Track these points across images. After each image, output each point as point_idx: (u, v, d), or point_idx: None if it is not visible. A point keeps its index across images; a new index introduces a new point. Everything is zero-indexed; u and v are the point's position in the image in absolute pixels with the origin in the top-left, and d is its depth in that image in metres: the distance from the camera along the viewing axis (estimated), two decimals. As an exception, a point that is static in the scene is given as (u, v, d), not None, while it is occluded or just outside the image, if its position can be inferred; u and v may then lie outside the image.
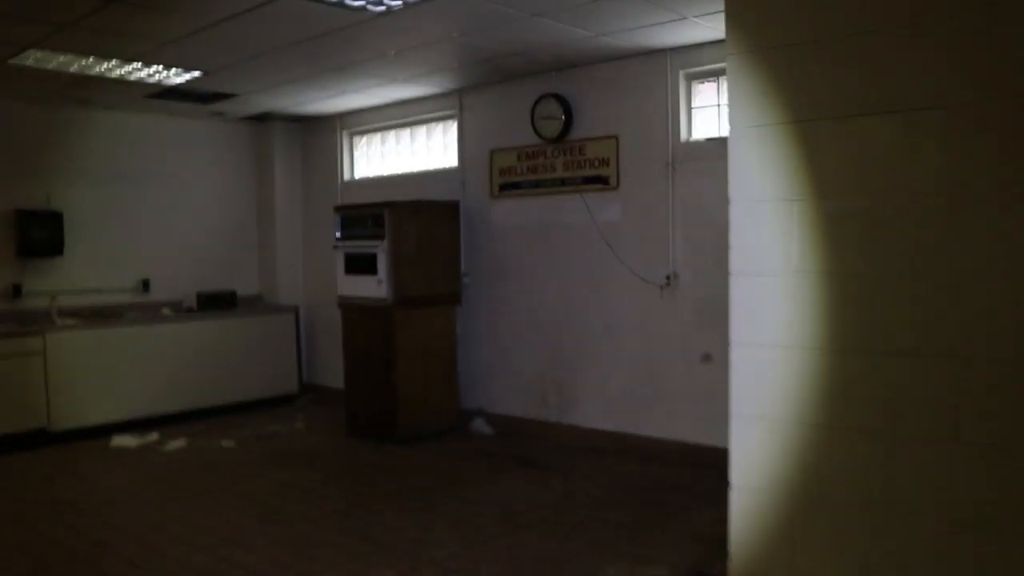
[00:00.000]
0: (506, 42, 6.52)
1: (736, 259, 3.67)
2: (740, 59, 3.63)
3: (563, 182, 7.69)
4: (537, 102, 7.71)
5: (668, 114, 7.03)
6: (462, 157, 8.52)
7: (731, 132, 3.70)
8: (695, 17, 5.92)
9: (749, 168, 3.63)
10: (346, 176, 9.76)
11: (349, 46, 6.42)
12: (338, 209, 8.31)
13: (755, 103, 3.58)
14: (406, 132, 9.22)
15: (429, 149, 9.00)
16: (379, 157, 9.50)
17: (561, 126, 7.58)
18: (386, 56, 6.81)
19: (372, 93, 8.39)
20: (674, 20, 6.02)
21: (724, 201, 3.72)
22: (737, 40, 3.65)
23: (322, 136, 9.96)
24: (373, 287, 7.75)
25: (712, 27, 6.11)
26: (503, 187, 8.14)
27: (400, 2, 5.40)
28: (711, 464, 5.94)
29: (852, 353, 3.36)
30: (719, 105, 6.94)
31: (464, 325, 8.45)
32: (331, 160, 9.85)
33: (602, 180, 7.45)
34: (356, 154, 9.77)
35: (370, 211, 7.84)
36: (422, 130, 9.07)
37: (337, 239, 8.20)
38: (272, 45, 6.39)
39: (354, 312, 8.05)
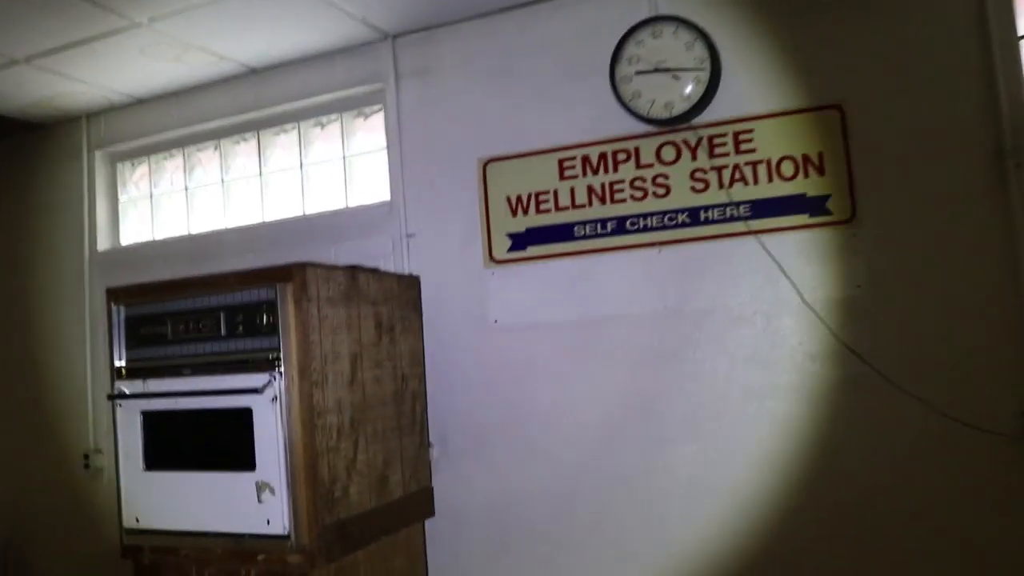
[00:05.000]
0: None
1: None
2: None
3: (696, 216, 3.22)
4: (630, 34, 3.25)
5: (989, 48, 2.88)
6: (401, 182, 3.76)
7: None
8: None
9: None
10: (103, 242, 4.58)
11: None
12: (123, 296, 3.15)
13: None
14: (248, 146, 4.29)
15: (306, 174, 4.13)
16: (181, 200, 4.45)
17: (701, 88, 3.16)
18: None
19: (176, 42, 3.54)
20: None
21: None
22: None
23: (47, 163, 4.75)
24: (245, 507, 2.74)
25: None
26: (520, 239, 3.49)
27: None
28: None
29: None
30: None
31: (442, 562, 3.56)
32: (66, 210, 4.64)
33: (810, 205, 3.10)
34: (124, 198, 4.64)
35: (232, 292, 2.87)
36: (288, 139, 4.19)
37: (122, 373, 3.08)
38: None
39: (179, 572, 2.92)
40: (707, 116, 3.29)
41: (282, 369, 2.72)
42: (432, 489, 3.47)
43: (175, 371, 2.96)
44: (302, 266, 2.75)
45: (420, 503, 3.36)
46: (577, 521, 3.38)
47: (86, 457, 4.28)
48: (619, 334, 3.36)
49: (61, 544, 4.42)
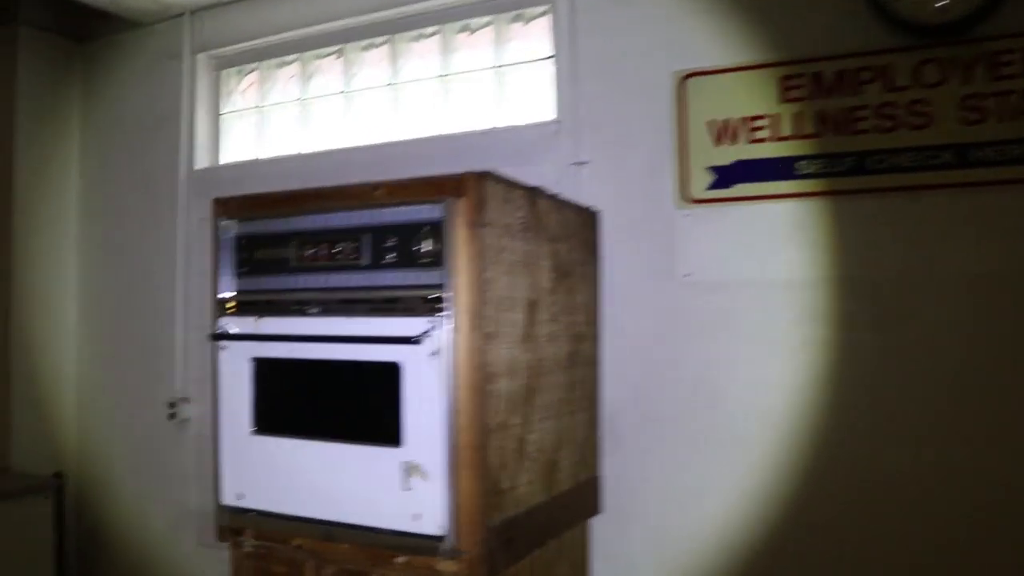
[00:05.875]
0: None
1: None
2: None
3: (965, 155, 2.45)
4: (899, -89, 2.49)
5: None
6: (572, 98, 3.02)
7: None
8: None
9: None
10: (201, 160, 3.96)
11: None
12: (234, 209, 2.49)
13: None
14: (378, 52, 3.61)
15: (448, 87, 3.42)
16: (295, 113, 3.79)
17: (992, -18, 2.41)
18: None
19: None
20: None
21: None
22: None
23: (140, 69, 4.14)
24: (385, 494, 2.08)
25: None
26: (726, 174, 2.74)
27: None
28: None
29: None
30: None
31: (606, 573, 2.87)
32: (162, 122, 4.02)
33: None
34: (226, 110, 4.01)
35: (381, 208, 2.18)
36: (427, 45, 3.50)
37: (228, 308, 2.41)
38: None
39: (291, 567, 2.27)
40: (991, 26, 2.50)
41: (448, 314, 2.03)
42: (599, 479, 2.78)
43: (299, 308, 2.30)
44: (481, 176, 2.06)
45: (587, 496, 2.69)
46: (776, 529, 2.67)
47: (172, 406, 3.69)
48: (851, 302, 2.62)
49: (136, 500, 3.87)
